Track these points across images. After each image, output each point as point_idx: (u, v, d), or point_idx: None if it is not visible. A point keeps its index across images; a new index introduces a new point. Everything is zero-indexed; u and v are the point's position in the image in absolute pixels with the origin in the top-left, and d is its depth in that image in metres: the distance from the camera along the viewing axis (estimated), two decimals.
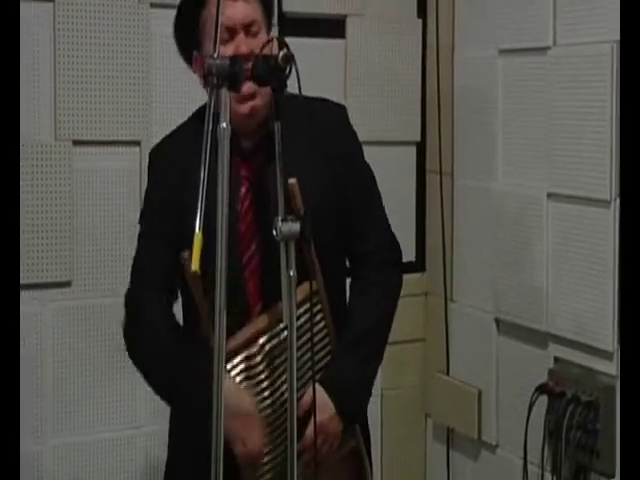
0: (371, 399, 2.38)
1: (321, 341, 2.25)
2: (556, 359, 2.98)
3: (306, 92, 2.06)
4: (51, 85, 3.04)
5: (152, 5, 3.13)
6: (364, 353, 2.29)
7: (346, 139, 2.37)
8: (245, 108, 2.20)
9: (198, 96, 2.26)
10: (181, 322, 2.33)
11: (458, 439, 3.52)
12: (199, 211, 1.80)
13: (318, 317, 2.24)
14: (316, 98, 2.32)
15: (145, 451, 3.22)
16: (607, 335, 2.74)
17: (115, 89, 3.10)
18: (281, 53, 1.98)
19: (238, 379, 2.18)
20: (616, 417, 2.71)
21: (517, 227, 3.11)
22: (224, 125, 1.87)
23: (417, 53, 3.59)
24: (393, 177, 3.41)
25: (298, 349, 2.05)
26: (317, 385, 2.17)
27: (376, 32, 3.51)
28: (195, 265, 1.79)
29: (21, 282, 2.82)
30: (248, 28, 2.20)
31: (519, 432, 3.00)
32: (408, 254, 3.28)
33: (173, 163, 2.30)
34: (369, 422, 2.44)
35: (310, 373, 2.16)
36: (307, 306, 2.14)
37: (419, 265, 3.65)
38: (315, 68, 2.95)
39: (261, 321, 2.21)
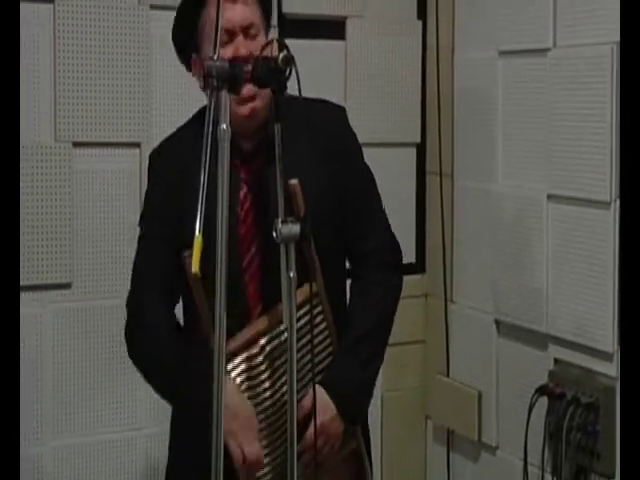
0: (371, 401, 2.38)
1: (322, 342, 2.25)
2: (556, 360, 2.98)
3: (306, 94, 2.06)
4: (51, 86, 3.04)
5: (152, 7, 3.13)
6: (365, 354, 2.29)
7: (346, 140, 2.37)
8: (245, 110, 2.20)
9: (198, 98, 2.26)
10: (182, 323, 2.33)
11: (458, 441, 3.52)
12: (199, 214, 1.80)
13: (318, 318, 2.24)
14: (316, 99, 2.32)
15: (145, 453, 3.22)
16: (607, 336, 2.74)
17: (115, 91, 3.10)
18: (281, 55, 1.98)
19: (239, 380, 2.18)
20: (616, 418, 2.71)
21: (517, 228, 3.11)
22: (224, 127, 1.87)
23: (417, 54, 3.59)
24: (393, 178, 3.41)
25: (299, 350, 2.05)
26: (318, 386, 2.17)
27: (376, 33, 3.51)
28: (195, 267, 1.79)
29: (21, 283, 2.82)
30: (247, 30, 2.20)
31: (519, 434, 3.00)
32: (408, 255, 3.28)
33: (173, 165, 2.30)
34: (369, 423, 2.44)
35: (311, 374, 2.16)
36: (307, 308, 2.14)
37: (419, 266, 3.65)
38: (315, 70, 2.96)
39: (261, 323, 2.21)
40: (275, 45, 2.04)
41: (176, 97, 3.15)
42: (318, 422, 2.13)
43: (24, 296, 2.91)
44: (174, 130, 2.40)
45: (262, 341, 2.20)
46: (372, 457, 2.43)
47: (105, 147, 3.12)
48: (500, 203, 3.19)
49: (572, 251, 2.88)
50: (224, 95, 1.90)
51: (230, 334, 1.97)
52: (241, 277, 2.22)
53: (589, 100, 2.78)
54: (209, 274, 1.86)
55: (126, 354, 2.33)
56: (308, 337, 2.15)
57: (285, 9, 3.34)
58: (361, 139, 2.41)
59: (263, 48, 2.06)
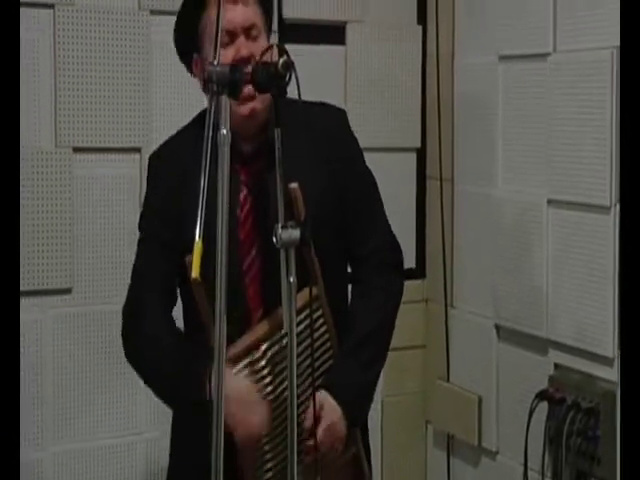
0: (371, 405, 2.38)
1: (322, 346, 2.25)
2: (556, 365, 2.98)
3: (306, 99, 2.06)
4: (51, 92, 3.04)
5: (152, 12, 3.13)
6: (366, 358, 2.29)
7: (346, 143, 2.37)
8: (245, 109, 2.19)
9: (198, 102, 2.26)
10: (182, 327, 2.33)
11: (458, 445, 3.52)
12: (199, 219, 1.80)
13: (319, 322, 2.24)
14: (316, 102, 2.32)
15: (145, 457, 3.22)
16: (607, 341, 2.74)
17: (115, 96, 3.11)
18: (281, 60, 1.98)
19: None
20: (616, 423, 2.70)
21: (517, 233, 3.11)
22: (224, 132, 1.87)
23: (417, 59, 3.60)
24: (393, 183, 3.41)
25: (299, 355, 2.05)
26: (323, 390, 2.19)
27: (376, 39, 3.52)
28: (195, 272, 1.79)
29: (21, 289, 2.82)
30: (248, 31, 2.20)
31: (519, 438, 3.00)
32: (408, 260, 3.27)
33: (173, 168, 2.29)
34: (369, 428, 2.44)
35: (312, 378, 2.16)
36: (307, 312, 2.14)
37: (419, 271, 3.65)
38: (315, 75, 2.96)
39: (261, 328, 2.21)
40: (275, 50, 2.04)
41: (176, 102, 3.16)
42: (328, 423, 2.15)
43: (24, 301, 2.91)
44: (174, 133, 2.40)
45: (264, 346, 2.20)
46: (372, 462, 2.43)
47: (105, 152, 3.13)
48: (500, 208, 3.20)
49: (572, 256, 2.88)
50: (224, 100, 1.90)
51: (231, 338, 1.96)
52: (241, 280, 2.22)
53: (589, 105, 2.78)
54: (209, 278, 1.86)
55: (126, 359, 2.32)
56: (308, 341, 2.15)
57: (285, 14, 3.35)
58: (361, 144, 2.41)
59: (263, 53, 2.06)
